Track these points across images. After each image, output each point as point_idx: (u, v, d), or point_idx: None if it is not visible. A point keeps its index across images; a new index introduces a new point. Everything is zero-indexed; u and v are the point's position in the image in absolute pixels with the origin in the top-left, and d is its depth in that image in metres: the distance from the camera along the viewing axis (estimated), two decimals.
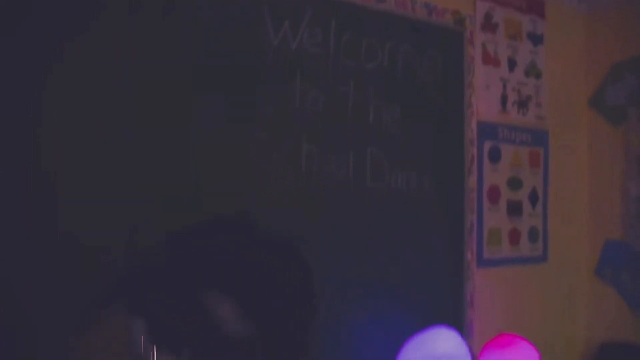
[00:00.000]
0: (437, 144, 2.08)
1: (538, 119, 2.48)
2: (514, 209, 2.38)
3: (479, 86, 2.25)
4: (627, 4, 2.58)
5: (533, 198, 2.45)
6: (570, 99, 2.65)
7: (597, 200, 2.67)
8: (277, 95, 1.68)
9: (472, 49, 2.21)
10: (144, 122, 1.44)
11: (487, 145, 2.28)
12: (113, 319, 0.91)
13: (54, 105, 1.31)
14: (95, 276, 1.26)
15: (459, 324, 2.09)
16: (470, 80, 2.19)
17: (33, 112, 1.29)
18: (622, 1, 2.59)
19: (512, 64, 2.39)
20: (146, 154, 1.43)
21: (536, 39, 2.49)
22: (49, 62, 1.30)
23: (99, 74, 1.37)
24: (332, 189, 1.78)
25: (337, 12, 1.82)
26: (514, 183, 2.38)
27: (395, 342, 1.77)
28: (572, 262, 2.66)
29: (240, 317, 0.74)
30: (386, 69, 1.94)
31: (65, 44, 1.32)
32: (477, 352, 2.03)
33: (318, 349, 1.79)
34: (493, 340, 2.05)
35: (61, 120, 1.32)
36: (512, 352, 2.01)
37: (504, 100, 2.35)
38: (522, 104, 2.41)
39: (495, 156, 2.31)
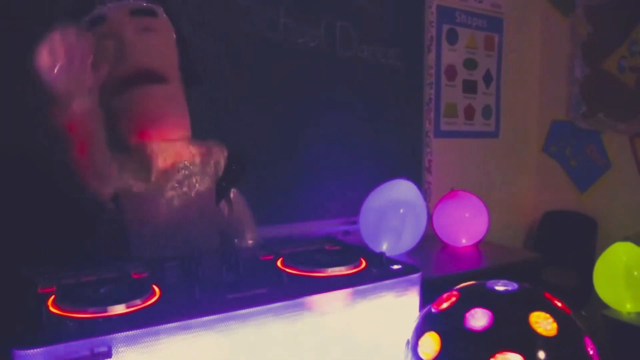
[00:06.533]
0: (400, 23, 2.33)
1: (494, 7, 2.72)
2: (470, 87, 2.67)
3: None
4: None
5: (487, 79, 2.74)
6: None
7: (547, 83, 2.97)
8: None
9: None
10: None
11: (445, 28, 2.53)
12: None
13: None
14: None
15: (418, 184, 2.40)
16: None
17: None
18: None
19: None
20: None
21: None
22: None
23: None
24: (307, 55, 2.04)
25: None
26: (470, 64, 2.66)
27: (361, 194, 2.09)
28: (522, 139, 2.98)
29: None
30: None
31: None
32: (432, 207, 2.37)
33: (298, 199, 2.11)
34: (446, 195, 2.38)
35: None
36: (462, 202, 2.34)
37: None
38: None
39: (452, 38, 2.57)
